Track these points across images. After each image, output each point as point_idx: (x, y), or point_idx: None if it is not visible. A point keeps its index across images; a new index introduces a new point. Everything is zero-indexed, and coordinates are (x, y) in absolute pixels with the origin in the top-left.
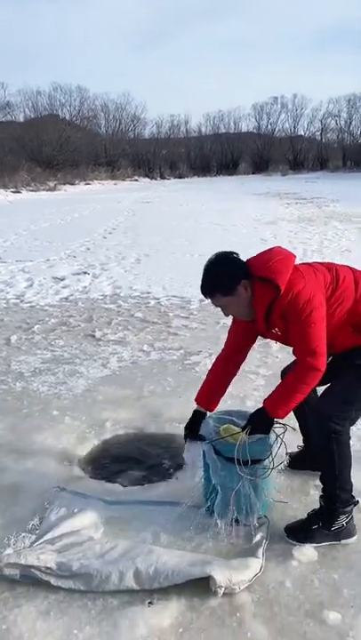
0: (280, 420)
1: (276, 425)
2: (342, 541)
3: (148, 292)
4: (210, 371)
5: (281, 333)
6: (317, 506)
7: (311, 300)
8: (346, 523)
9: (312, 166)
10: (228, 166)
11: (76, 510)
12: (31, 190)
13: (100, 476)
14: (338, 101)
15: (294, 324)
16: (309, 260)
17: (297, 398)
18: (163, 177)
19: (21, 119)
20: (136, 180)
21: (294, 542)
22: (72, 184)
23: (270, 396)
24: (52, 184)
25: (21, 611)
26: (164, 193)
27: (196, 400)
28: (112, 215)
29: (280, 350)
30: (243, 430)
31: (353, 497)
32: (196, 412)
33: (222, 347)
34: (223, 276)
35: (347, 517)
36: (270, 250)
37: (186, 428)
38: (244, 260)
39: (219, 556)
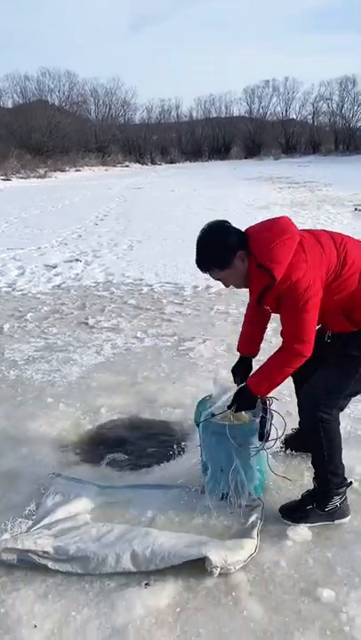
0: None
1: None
2: (336, 521)
3: (141, 279)
4: (244, 321)
5: (272, 310)
6: (312, 487)
7: (309, 288)
8: (340, 503)
9: (304, 150)
10: (219, 151)
11: (71, 496)
12: (21, 177)
13: (96, 462)
14: (330, 84)
15: (289, 309)
16: None
17: (279, 379)
18: (154, 162)
19: (10, 105)
20: (127, 166)
21: (289, 522)
22: (62, 171)
23: (254, 374)
24: (42, 171)
25: (20, 594)
26: (156, 179)
27: (238, 350)
28: (103, 202)
29: (274, 335)
30: (229, 408)
31: (345, 479)
32: (241, 358)
33: (217, 333)
34: (218, 248)
35: (340, 498)
36: (276, 222)
37: (232, 371)
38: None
39: (214, 537)
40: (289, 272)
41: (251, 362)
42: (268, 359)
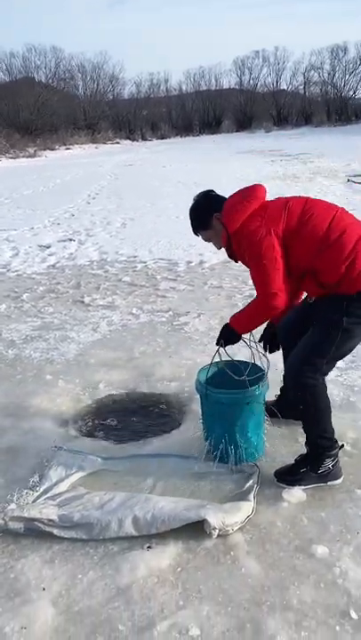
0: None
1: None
2: (329, 483)
3: (135, 256)
4: None
5: (245, 265)
6: (305, 451)
7: (264, 237)
8: (332, 466)
9: (296, 121)
10: (210, 125)
11: (73, 468)
12: (11, 157)
13: (96, 435)
14: (320, 53)
15: (251, 259)
16: None
17: (257, 322)
18: (144, 138)
19: None
20: (117, 143)
21: (284, 486)
22: (52, 149)
23: (236, 314)
24: (31, 150)
25: (27, 560)
26: (147, 155)
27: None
28: (94, 180)
29: None
30: (217, 344)
31: (336, 442)
32: (268, 326)
33: (211, 307)
34: (199, 212)
35: (332, 461)
36: (249, 188)
37: (261, 339)
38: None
39: (212, 501)
40: (244, 225)
41: (274, 327)
42: (249, 303)
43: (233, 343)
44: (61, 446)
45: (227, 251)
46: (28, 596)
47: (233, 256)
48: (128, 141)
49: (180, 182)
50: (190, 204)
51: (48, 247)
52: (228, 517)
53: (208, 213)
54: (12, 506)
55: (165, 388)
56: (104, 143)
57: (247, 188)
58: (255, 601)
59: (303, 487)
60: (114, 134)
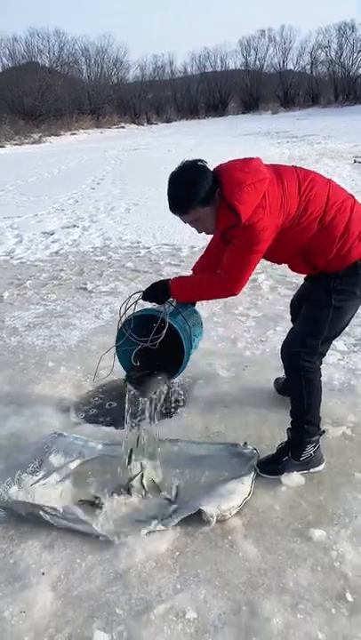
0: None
1: None
2: (311, 470)
3: (139, 242)
4: (208, 245)
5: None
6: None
7: (262, 232)
8: (313, 452)
9: (303, 102)
10: (216, 107)
11: (74, 454)
12: (15, 144)
13: (97, 421)
14: (328, 31)
15: (238, 248)
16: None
17: (200, 297)
18: (150, 122)
19: None
20: (122, 127)
21: (266, 476)
22: (57, 135)
23: (182, 279)
24: (36, 136)
25: (27, 545)
26: (152, 139)
27: (192, 269)
28: (99, 165)
29: (271, 292)
30: (143, 298)
31: (320, 429)
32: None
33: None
34: (199, 184)
35: (314, 447)
36: (248, 163)
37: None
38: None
39: (211, 485)
40: (249, 216)
41: None
42: (204, 275)
43: (156, 302)
44: (62, 432)
45: (218, 233)
46: (28, 581)
47: (222, 242)
48: (133, 125)
49: None
50: (179, 173)
51: (52, 234)
52: (225, 502)
53: (212, 185)
54: (15, 488)
55: None
56: (109, 128)
57: (244, 161)
58: (252, 584)
59: (285, 476)
60: (119, 119)
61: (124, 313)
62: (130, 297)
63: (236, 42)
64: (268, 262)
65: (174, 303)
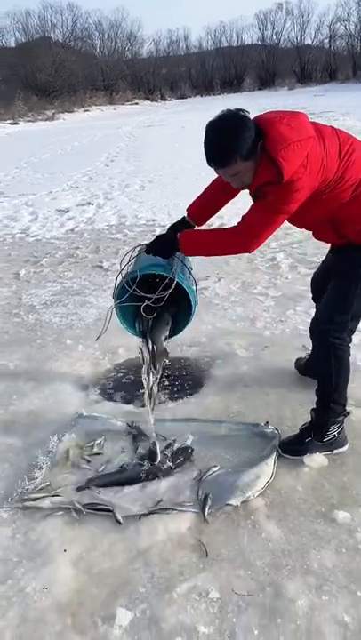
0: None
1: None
2: (334, 451)
3: (154, 220)
4: (206, 189)
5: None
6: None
7: (297, 193)
8: (337, 433)
9: (321, 78)
10: (231, 83)
11: (94, 433)
12: (29, 121)
13: (116, 399)
14: (347, 4)
15: (268, 203)
16: None
17: (210, 251)
18: (163, 98)
19: (13, 44)
20: (136, 104)
21: (288, 456)
22: (70, 112)
23: (191, 232)
24: (49, 113)
25: (48, 522)
26: (166, 115)
27: (187, 210)
28: (113, 142)
29: (290, 271)
30: (147, 252)
31: (345, 408)
32: (183, 219)
33: (231, 271)
34: (242, 135)
35: (338, 427)
36: (294, 117)
37: (170, 228)
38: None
39: (235, 473)
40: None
41: (191, 227)
42: (216, 229)
43: (162, 256)
44: (82, 413)
45: (253, 188)
46: (50, 557)
47: (255, 193)
48: (147, 102)
49: (200, 143)
50: (221, 123)
51: (67, 211)
52: (249, 488)
53: (255, 137)
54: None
55: (185, 353)
56: (122, 104)
57: (290, 115)
58: (275, 565)
59: (308, 457)
60: (132, 95)
61: (127, 264)
62: (133, 249)
63: (252, 15)
64: (288, 241)
65: (181, 257)
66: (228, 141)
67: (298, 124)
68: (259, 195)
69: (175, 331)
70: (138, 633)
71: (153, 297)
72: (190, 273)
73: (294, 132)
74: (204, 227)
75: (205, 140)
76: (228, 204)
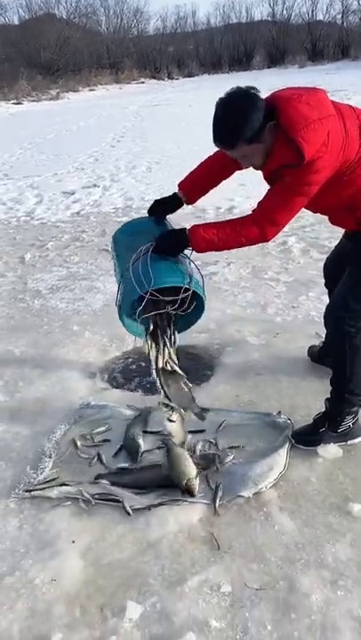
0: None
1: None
2: (349, 442)
3: None
4: (203, 162)
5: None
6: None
7: (316, 174)
8: (352, 424)
9: (332, 55)
10: (240, 61)
11: (101, 423)
12: (33, 100)
13: (124, 387)
14: None
15: (287, 185)
16: None
17: (226, 247)
18: (170, 77)
19: (16, 22)
20: (142, 83)
21: (302, 447)
22: (75, 91)
23: (201, 226)
24: (54, 92)
25: (57, 512)
26: (173, 94)
27: (178, 185)
28: (119, 122)
29: (302, 255)
30: (155, 251)
31: (360, 399)
32: (173, 195)
33: (241, 256)
34: (249, 117)
35: (353, 418)
36: (313, 94)
37: (156, 202)
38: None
39: (248, 464)
40: (310, 154)
41: (181, 204)
42: (228, 221)
43: (170, 254)
44: (89, 402)
45: (268, 170)
46: (58, 548)
47: (272, 176)
48: (153, 81)
49: (208, 123)
50: (226, 103)
51: (72, 194)
52: (261, 480)
53: (263, 119)
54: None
55: (194, 339)
56: (128, 83)
57: (308, 93)
58: (289, 558)
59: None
60: (138, 73)
61: (131, 264)
62: (139, 251)
63: None
64: (299, 224)
65: (190, 255)
66: (234, 122)
67: (317, 102)
68: (275, 179)
69: (185, 325)
70: (148, 626)
71: (173, 312)
72: (192, 262)
73: (315, 110)
74: (208, 221)
75: (213, 120)
76: (237, 186)
